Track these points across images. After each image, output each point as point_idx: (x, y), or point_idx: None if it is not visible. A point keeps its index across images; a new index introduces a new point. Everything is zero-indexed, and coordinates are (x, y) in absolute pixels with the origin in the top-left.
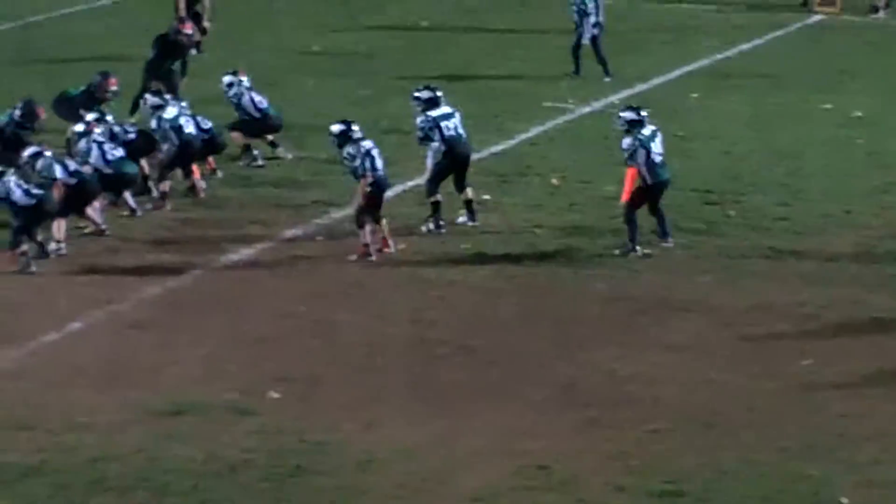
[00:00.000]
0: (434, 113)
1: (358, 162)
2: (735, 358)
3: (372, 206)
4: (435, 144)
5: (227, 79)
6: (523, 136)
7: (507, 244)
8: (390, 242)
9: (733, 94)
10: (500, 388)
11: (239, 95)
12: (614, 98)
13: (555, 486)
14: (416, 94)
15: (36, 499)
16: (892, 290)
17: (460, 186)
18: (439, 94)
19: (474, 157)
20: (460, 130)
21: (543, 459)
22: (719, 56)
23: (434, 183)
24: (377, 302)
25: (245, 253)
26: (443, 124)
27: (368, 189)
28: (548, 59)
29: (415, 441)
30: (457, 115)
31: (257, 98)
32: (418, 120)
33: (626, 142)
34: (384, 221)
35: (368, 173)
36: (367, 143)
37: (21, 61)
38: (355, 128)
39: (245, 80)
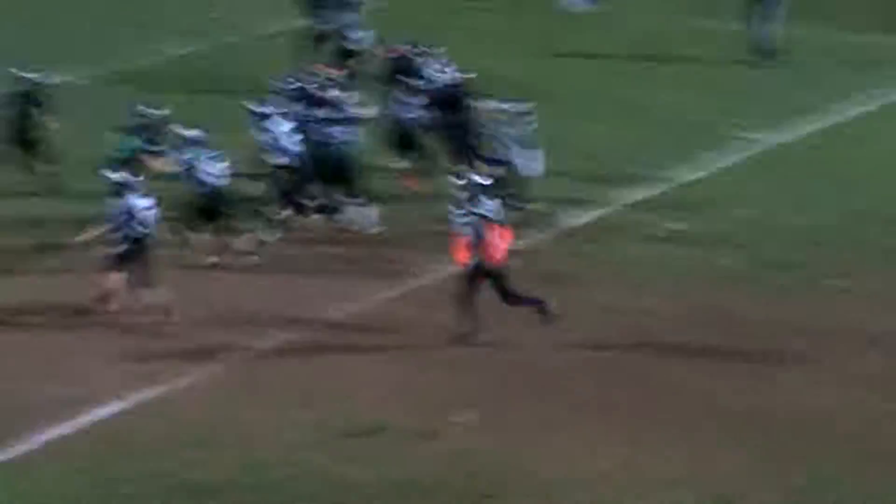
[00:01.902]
0: None
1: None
2: None
3: None
4: None
5: None
6: (707, 165)
7: (690, 273)
8: None
9: None
10: (684, 416)
11: None
12: (808, 128)
13: None
14: None
15: None
16: None
17: None
18: None
19: (657, 184)
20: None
21: (725, 489)
22: None
23: None
24: (564, 329)
25: (432, 278)
26: None
27: None
28: (730, 86)
29: (600, 467)
30: None
31: None
32: None
33: None
34: None
35: None
36: None
37: None
38: None
39: None
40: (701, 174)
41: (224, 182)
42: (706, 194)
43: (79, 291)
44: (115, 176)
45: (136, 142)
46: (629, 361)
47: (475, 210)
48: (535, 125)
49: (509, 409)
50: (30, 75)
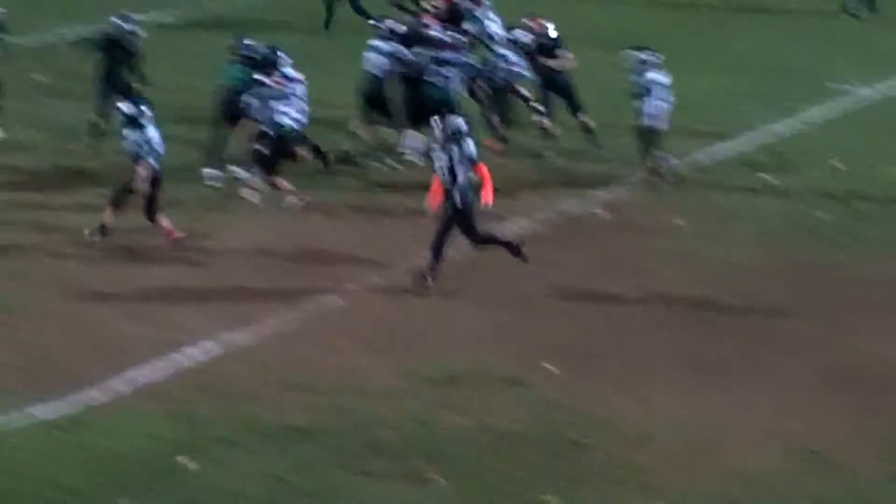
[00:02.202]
0: None
1: None
2: None
3: None
4: None
5: None
6: (806, 117)
7: (786, 226)
8: None
9: None
10: (773, 368)
11: None
12: None
13: (827, 472)
14: None
15: (309, 460)
16: None
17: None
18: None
19: (754, 136)
20: None
21: (814, 443)
22: None
23: None
24: (655, 278)
25: (525, 225)
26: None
27: None
28: (829, 38)
29: (687, 417)
30: None
31: None
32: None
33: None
34: None
35: None
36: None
37: None
38: None
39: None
40: (800, 126)
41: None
42: (804, 147)
43: (156, 234)
44: (128, 108)
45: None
46: (720, 314)
47: (461, 152)
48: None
49: (599, 359)
50: (122, 22)
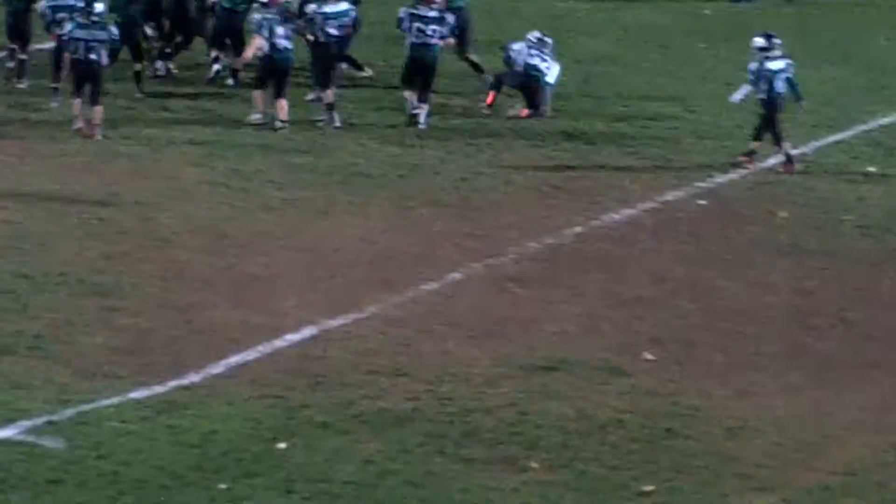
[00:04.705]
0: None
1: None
2: None
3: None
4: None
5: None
6: None
7: (891, 218)
8: None
9: None
10: (876, 362)
11: None
12: None
13: None
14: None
15: (407, 446)
16: None
17: None
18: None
19: (861, 128)
20: None
21: None
22: None
23: None
24: (756, 269)
25: (626, 213)
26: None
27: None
28: None
29: (787, 411)
30: None
31: None
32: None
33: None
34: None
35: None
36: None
37: None
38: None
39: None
40: None
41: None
42: None
43: (258, 222)
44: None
45: None
46: (824, 306)
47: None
48: None
49: (699, 350)
50: None
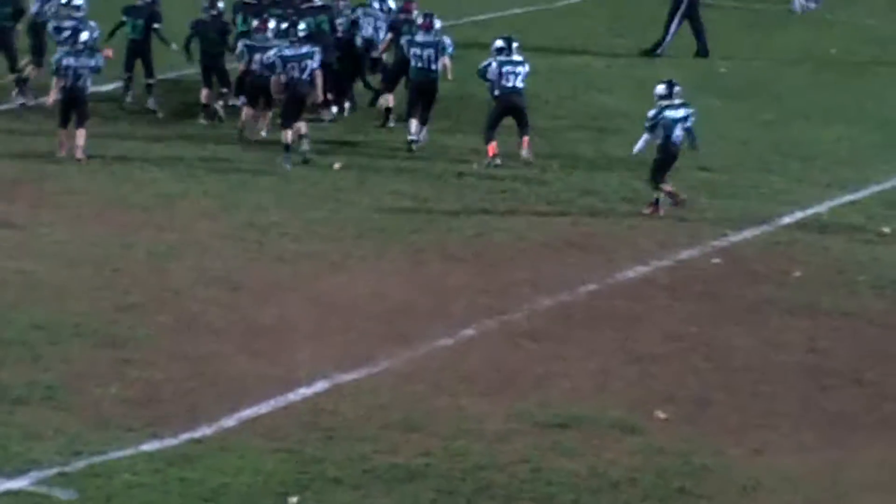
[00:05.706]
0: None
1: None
2: None
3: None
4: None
5: None
6: None
7: None
8: None
9: None
10: (890, 421)
11: None
12: None
13: None
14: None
15: (420, 501)
16: None
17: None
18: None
19: (875, 188)
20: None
21: None
22: None
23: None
24: (770, 328)
25: (640, 270)
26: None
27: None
28: None
29: (801, 470)
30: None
31: None
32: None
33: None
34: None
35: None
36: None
37: None
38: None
39: None
40: None
41: None
42: None
43: (272, 273)
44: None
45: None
46: (839, 366)
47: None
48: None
49: (713, 408)
50: None
